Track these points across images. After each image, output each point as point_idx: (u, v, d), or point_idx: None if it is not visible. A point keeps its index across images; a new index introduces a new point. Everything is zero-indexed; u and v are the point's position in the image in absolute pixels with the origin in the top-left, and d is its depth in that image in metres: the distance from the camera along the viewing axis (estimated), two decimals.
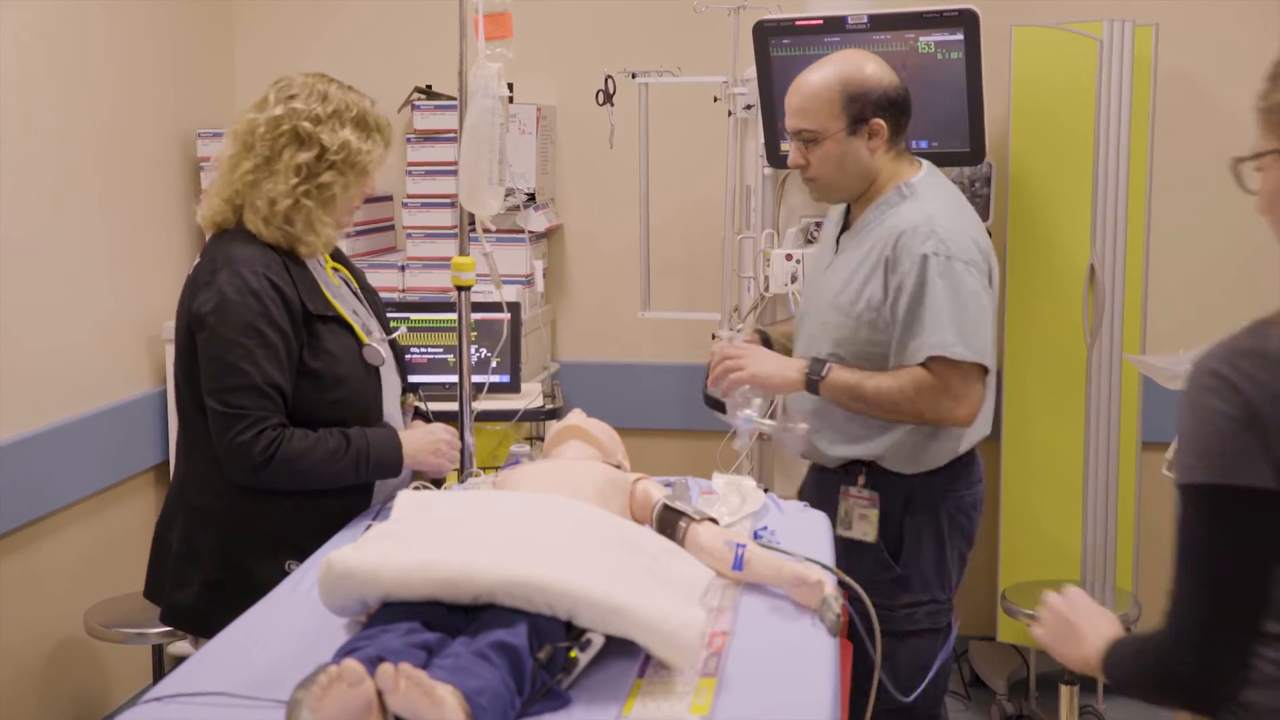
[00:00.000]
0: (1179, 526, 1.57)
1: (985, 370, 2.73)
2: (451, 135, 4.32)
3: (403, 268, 4.28)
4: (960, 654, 4.41)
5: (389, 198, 4.58)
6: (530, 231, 4.38)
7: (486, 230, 2.81)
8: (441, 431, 2.70)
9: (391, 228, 4.60)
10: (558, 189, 4.66)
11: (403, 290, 4.26)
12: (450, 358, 3.05)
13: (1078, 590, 1.84)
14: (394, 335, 2.76)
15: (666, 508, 2.29)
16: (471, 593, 1.76)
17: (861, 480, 2.87)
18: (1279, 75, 1.58)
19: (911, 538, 2.86)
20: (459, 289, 2.90)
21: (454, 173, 4.29)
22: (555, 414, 3.49)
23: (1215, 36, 4.19)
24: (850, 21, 3.36)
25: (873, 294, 2.75)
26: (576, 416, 2.55)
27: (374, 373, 2.61)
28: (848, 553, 2.73)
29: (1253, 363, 1.50)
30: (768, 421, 2.82)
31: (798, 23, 3.42)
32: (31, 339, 3.49)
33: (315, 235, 2.54)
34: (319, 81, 2.58)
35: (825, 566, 2.23)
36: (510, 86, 4.50)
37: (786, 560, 2.16)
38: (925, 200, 2.78)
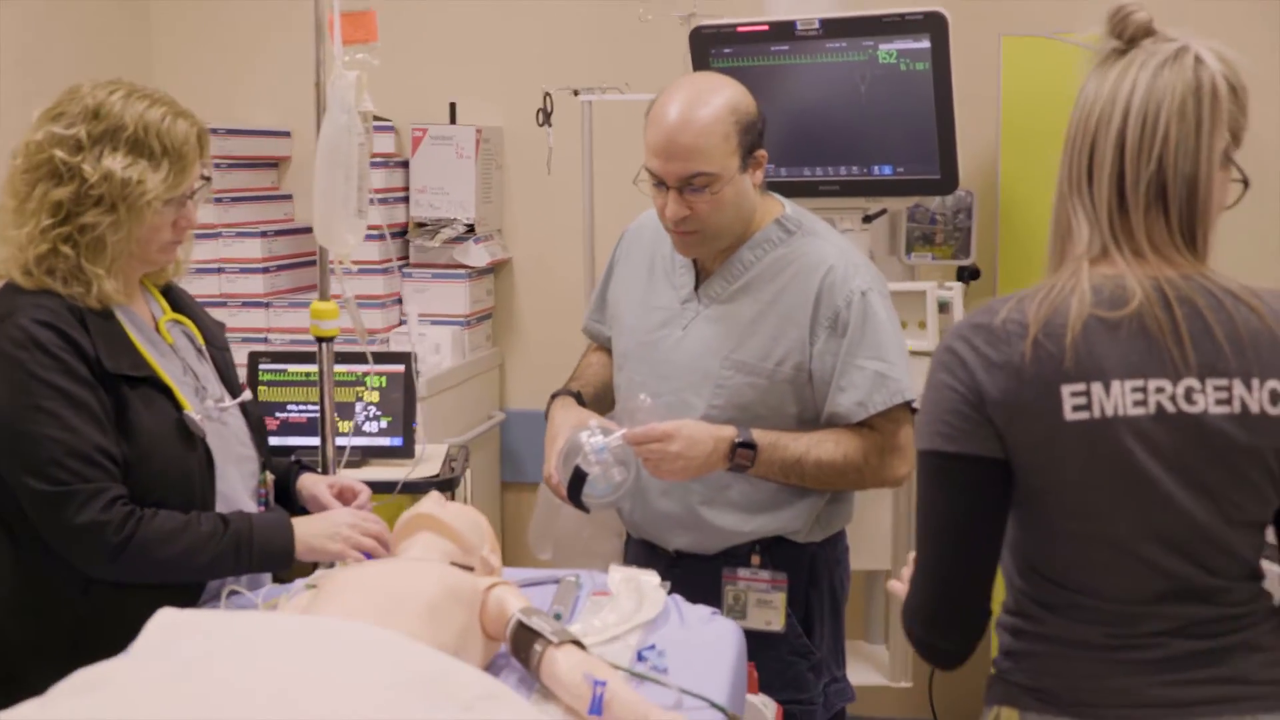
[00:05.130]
0: (917, 492, 1.67)
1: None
2: (379, 160, 3.91)
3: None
4: None
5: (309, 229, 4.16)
6: (470, 267, 3.95)
7: (349, 269, 2.36)
8: (344, 515, 2.24)
9: (314, 263, 4.16)
10: (505, 219, 4.21)
11: None
12: (335, 417, 2.62)
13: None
14: (240, 400, 2.31)
15: (521, 626, 1.84)
16: None
17: (757, 560, 2.46)
18: None
19: (817, 615, 2.53)
20: (319, 340, 2.45)
21: (383, 201, 3.93)
22: (450, 485, 3.02)
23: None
24: (800, 27, 2.90)
25: (792, 348, 2.40)
26: (430, 502, 2.08)
27: (198, 446, 2.16)
28: (752, 649, 2.30)
29: (981, 336, 1.60)
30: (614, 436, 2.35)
31: (739, 29, 2.96)
32: None
33: (85, 288, 2.07)
34: (101, 91, 2.10)
35: (715, 706, 1.77)
36: (453, 107, 4.12)
37: (652, 708, 1.69)
38: (824, 235, 2.48)
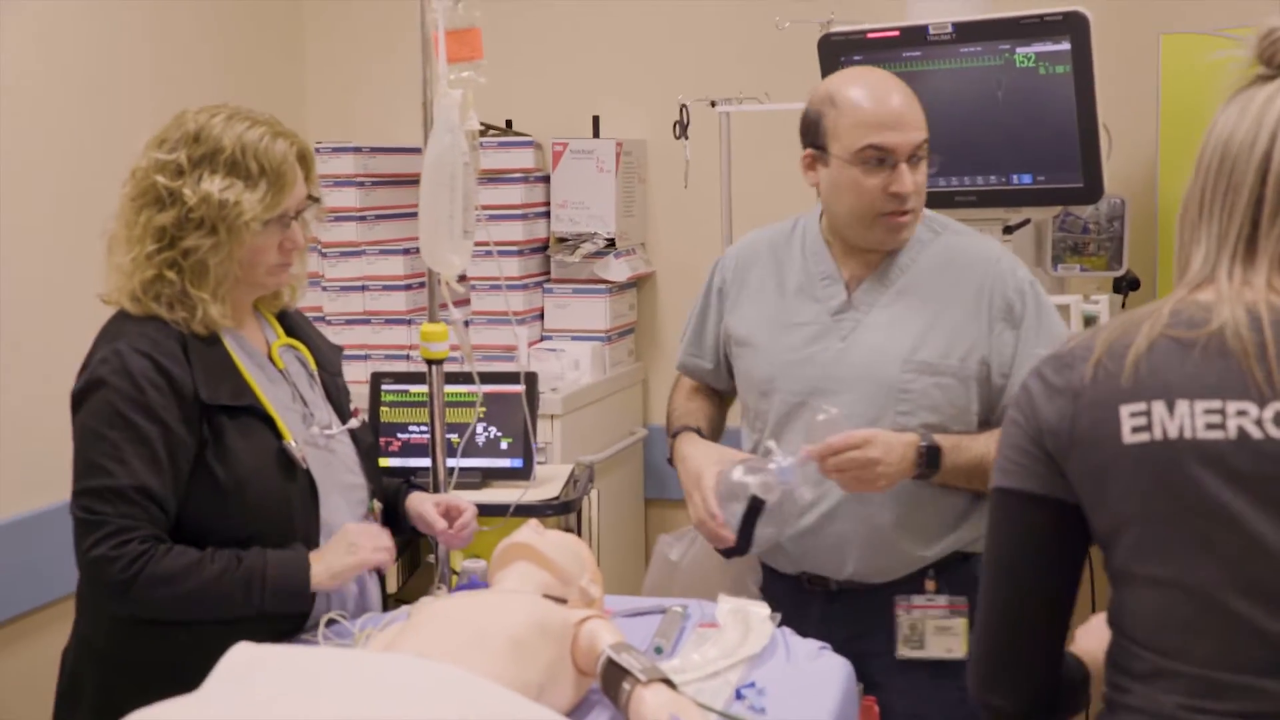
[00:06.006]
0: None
1: None
2: (518, 176, 3.89)
3: (466, 323, 3.83)
4: None
5: None
6: (610, 282, 3.91)
7: (455, 290, 2.32)
8: (351, 527, 2.17)
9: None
10: (648, 233, 4.15)
11: None
12: (454, 436, 2.58)
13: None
14: (349, 426, 2.28)
15: (610, 663, 1.77)
16: None
17: (932, 584, 2.32)
18: None
19: None
20: (429, 363, 2.42)
21: (522, 217, 3.92)
22: (568, 508, 2.96)
23: None
24: (932, 31, 2.77)
25: (976, 341, 2.31)
26: (527, 531, 2.02)
27: (300, 477, 2.13)
28: (931, 678, 2.24)
29: (1050, 365, 1.48)
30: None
31: (869, 35, 2.84)
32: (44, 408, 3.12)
33: (190, 314, 2.07)
34: (204, 115, 2.10)
35: None
36: (595, 120, 4.08)
37: None
38: (967, 231, 2.44)
